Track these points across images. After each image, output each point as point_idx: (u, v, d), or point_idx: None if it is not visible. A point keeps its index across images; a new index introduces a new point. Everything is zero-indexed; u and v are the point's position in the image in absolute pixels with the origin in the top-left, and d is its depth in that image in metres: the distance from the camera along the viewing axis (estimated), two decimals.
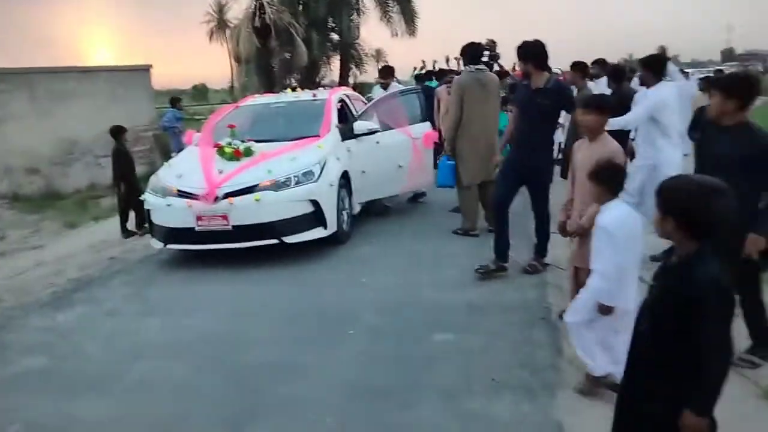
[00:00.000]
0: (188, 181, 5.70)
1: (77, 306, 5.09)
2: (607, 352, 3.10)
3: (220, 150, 5.99)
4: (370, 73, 22.34)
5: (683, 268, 1.86)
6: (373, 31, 39.08)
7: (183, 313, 4.68)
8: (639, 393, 1.99)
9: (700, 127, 4.08)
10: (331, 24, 21.15)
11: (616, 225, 2.93)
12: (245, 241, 5.52)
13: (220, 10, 43.25)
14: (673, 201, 1.85)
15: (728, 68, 31.15)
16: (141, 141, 11.57)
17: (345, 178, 6.27)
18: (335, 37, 21.55)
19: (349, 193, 6.42)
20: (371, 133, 6.69)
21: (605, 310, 2.98)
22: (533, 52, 4.75)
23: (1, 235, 7.82)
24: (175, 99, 12.17)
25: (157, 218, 5.79)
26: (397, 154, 6.98)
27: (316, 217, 5.70)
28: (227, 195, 5.47)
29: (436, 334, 4.05)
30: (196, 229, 5.51)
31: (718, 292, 1.78)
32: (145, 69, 12.73)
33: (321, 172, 5.78)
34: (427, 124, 7.45)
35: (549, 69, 4.92)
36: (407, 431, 3.02)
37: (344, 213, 6.20)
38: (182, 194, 5.60)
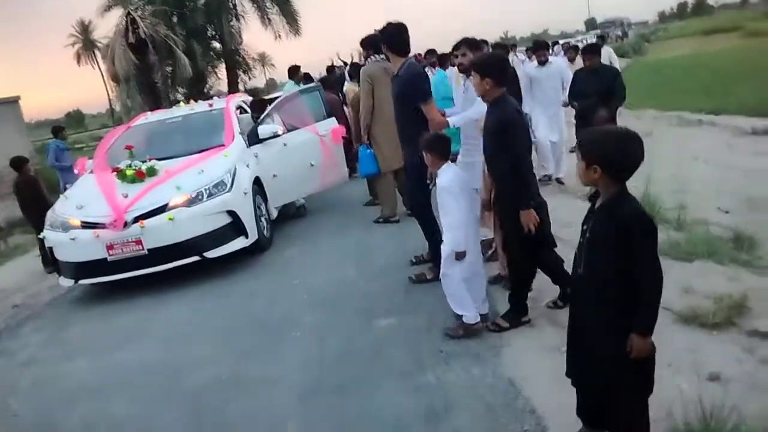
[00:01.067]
0: (91, 210, 5.37)
1: None
2: (470, 296, 3.61)
3: (120, 174, 5.68)
4: (258, 78, 22.09)
5: (611, 208, 2.06)
6: (256, 35, 38.43)
7: (111, 348, 4.41)
8: (589, 333, 2.16)
9: None
10: (211, 32, 20.57)
11: (451, 183, 3.53)
12: (164, 264, 5.29)
13: (85, 30, 40.64)
14: (597, 151, 2.06)
15: (591, 37, 33.77)
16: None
17: (258, 184, 6.17)
18: (217, 45, 21.01)
19: (265, 199, 6.32)
20: (276, 135, 6.62)
21: (460, 255, 3.53)
22: (388, 35, 4.52)
23: None
24: (57, 128, 10.99)
25: (63, 254, 5.41)
26: (306, 153, 6.94)
27: (235, 228, 5.57)
28: (137, 218, 5.21)
29: (378, 320, 4.12)
30: (109, 259, 5.21)
31: (646, 224, 2.00)
32: (14, 101, 11.85)
33: (233, 181, 5.65)
34: (333, 119, 7.45)
35: (407, 54, 4.57)
36: (372, 420, 3.05)
37: (263, 219, 6.10)
38: (87, 225, 5.27)
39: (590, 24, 77.89)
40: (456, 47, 4.64)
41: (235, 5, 20.64)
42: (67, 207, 5.54)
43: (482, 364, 3.32)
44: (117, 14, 17.83)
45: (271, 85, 25.59)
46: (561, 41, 24.25)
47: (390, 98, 5.27)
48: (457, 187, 3.55)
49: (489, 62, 3.52)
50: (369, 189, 7.32)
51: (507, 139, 3.36)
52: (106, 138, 6.91)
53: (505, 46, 8.12)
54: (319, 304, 4.58)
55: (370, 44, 6.00)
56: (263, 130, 6.51)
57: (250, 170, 6.04)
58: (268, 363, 3.79)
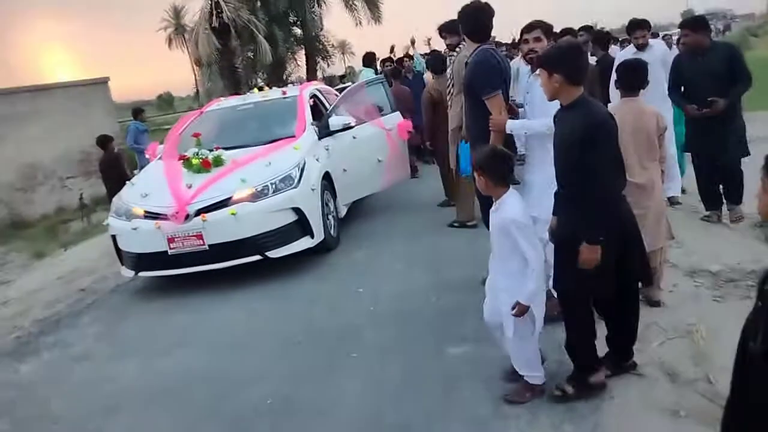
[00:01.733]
0: (155, 200, 5.15)
1: (43, 352, 4.54)
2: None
3: (187, 162, 5.43)
4: (337, 65, 21.87)
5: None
6: (336, 22, 38.37)
7: (162, 352, 4.13)
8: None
9: None
10: (292, 18, 20.49)
11: (523, 216, 2.75)
12: (224, 261, 5.00)
13: (177, 14, 42.01)
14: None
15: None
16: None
17: (327, 179, 5.77)
18: (298, 31, 20.90)
19: (333, 195, 5.93)
20: (347, 128, 6.21)
21: (525, 310, 2.74)
22: (464, 17, 3.92)
23: None
24: (137, 110, 11.27)
25: (125, 244, 5.23)
26: (374, 148, 6.57)
27: (301, 226, 5.20)
28: (199, 211, 4.93)
29: (450, 347, 3.60)
30: (169, 252, 4.97)
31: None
32: (103, 82, 12.21)
33: (300, 176, 5.27)
34: (398, 114, 7.00)
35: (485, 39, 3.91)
36: None
37: (330, 217, 5.70)
38: (149, 215, 5.05)
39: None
40: (526, 29, 3.69)
41: None
42: (133, 194, 5.36)
43: (577, 422, 2.72)
44: None
45: (350, 73, 25.33)
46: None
47: None
48: (529, 220, 2.77)
49: (558, 54, 2.71)
50: (444, 189, 6.77)
51: (585, 150, 2.53)
52: (177, 123, 6.74)
53: (604, 37, 7.20)
54: (383, 319, 4.12)
55: (449, 30, 5.38)
56: (334, 122, 6.11)
57: (320, 164, 5.65)
58: (321, 388, 3.36)
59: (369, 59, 10.06)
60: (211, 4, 17.26)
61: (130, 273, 5.25)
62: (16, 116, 10.14)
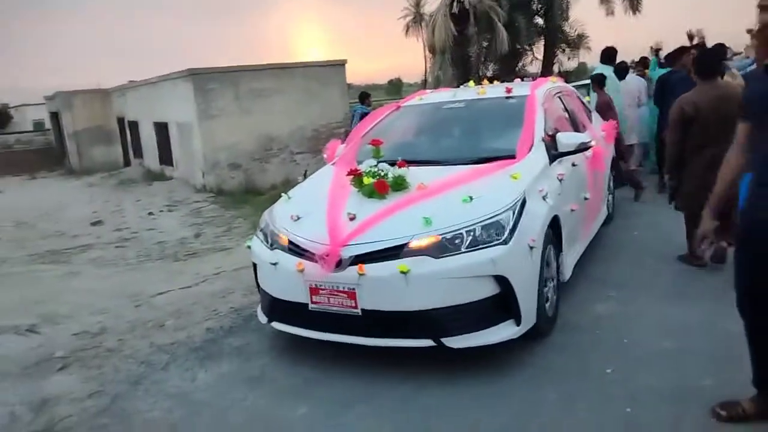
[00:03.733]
0: (306, 228, 3.56)
1: (223, 361, 3.65)
2: None
3: (357, 180, 3.75)
4: (572, 60, 19.00)
5: None
6: (582, 11, 34.47)
7: None
8: None
9: None
10: (536, 5, 18.12)
11: None
12: (380, 337, 3.23)
13: (417, 3, 42.17)
14: None
15: None
16: (336, 138, 10.86)
17: (554, 225, 3.67)
18: (540, 20, 18.55)
19: (559, 249, 3.81)
20: (585, 149, 4.04)
21: None
22: None
23: (197, 232, 7.66)
24: (364, 95, 10.56)
25: (262, 279, 3.77)
26: (583, 179, 4.45)
27: (503, 304, 3.19)
28: (357, 259, 3.23)
29: None
30: (310, 307, 3.37)
31: None
32: (340, 64, 12.18)
33: (515, 225, 3.25)
34: (596, 115, 5.45)
35: None
36: None
37: (549, 285, 3.60)
38: (294, 249, 3.51)
39: None
40: None
41: None
42: (283, 213, 3.85)
43: None
44: None
45: (582, 70, 22.09)
46: None
47: None
48: None
49: None
50: (689, 239, 4.49)
51: None
52: (368, 118, 5.11)
53: None
54: None
55: None
56: (565, 139, 3.97)
57: (546, 205, 3.55)
58: None
59: (608, 55, 7.49)
60: None
61: (264, 319, 3.78)
62: (263, 92, 10.93)
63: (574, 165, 4.22)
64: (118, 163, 17.43)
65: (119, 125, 17.48)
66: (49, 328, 4.45)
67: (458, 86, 5.71)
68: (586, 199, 4.41)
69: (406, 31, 41.74)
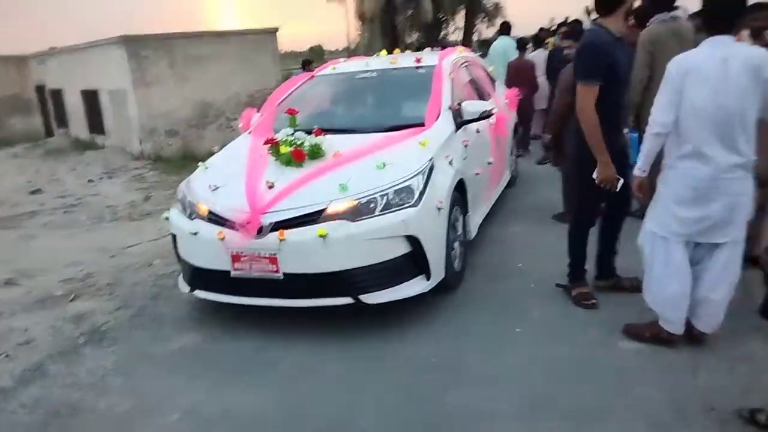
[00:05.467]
0: (225, 197, 3.56)
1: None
2: None
3: (275, 148, 3.78)
4: (489, 30, 19.59)
5: None
6: None
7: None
8: None
9: None
10: None
11: None
12: (302, 298, 3.35)
13: None
14: None
15: None
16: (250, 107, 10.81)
17: (459, 189, 3.90)
18: None
19: (464, 211, 4.06)
20: (487, 115, 4.27)
21: None
22: None
23: (147, 196, 7.66)
24: (306, 62, 10.49)
25: (183, 250, 3.74)
26: (487, 145, 4.73)
27: (414, 262, 3.39)
28: (277, 225, 3.29)
29: None
30: (232, 274, 3.42)
31: None
32: (272, 32, 12.07)
33: (424, 188, 3.43)
34: (499, 83, 5.71)
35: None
36: None
37: (456, 245, 3.86)
38: (214, 218, 3.51)
39: None
40: None
41: None
42: (202, 183, 3.82)
43: None
44: None
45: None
46: None
47: None
48: None
49: None
50: (565, 200, 4.98)
51: None
52: (283, 86, 5.06)
53: None
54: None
55: None
56: (469, 107, 4.16)
57: (452, 169, 3.76)
58: None
59: (507, 27, 8.76)
60: None
61: (186, 288, 3.78)
62: (198, 59, 10.73)
63: (478, 131, 4.44)
64: (39, 133, 16.04)
65: (38, 93, 16.00)
66: (29, 280, 4.55)
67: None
68: (489, 163, 4.68)
69: None
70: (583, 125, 3.17)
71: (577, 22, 6.90)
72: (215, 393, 2.93)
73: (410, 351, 3.17)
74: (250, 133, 4.39)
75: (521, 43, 7.84)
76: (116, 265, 4.78)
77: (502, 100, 5.55)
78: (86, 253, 5.14)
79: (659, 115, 2.76)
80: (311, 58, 10.68)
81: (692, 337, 2.95)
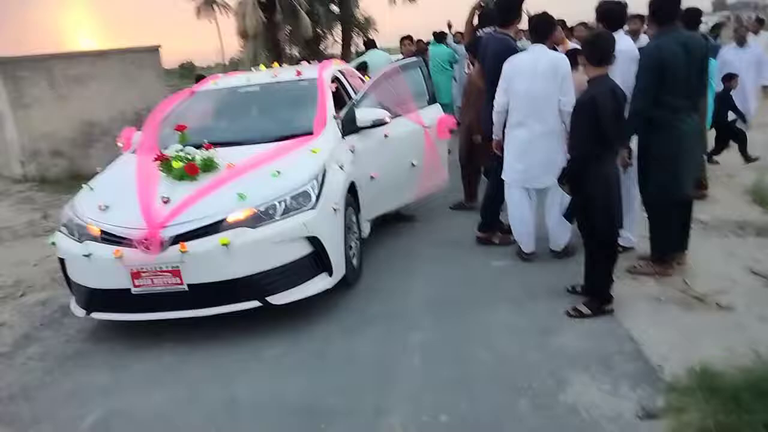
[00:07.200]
0: (117, 216, 3.44)
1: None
2: None
3: (166, 164, 3.73)
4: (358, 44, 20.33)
5: None
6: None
7: None
8: None
9: None
10: None
11: None
12: (209, 306, 3.33)
13: None
14: None
15: (720, 18, 28.73)
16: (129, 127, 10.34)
17: (351, 191, 4.11)
18: (335, 8, 19.76)
19: (357, 210, 4.27)
20: (380, 123, 4.50)
21: None
22: None
23: (44, 214, 7.34)
24: (199, 77, 10.00)
25: (75, 273, 3.56)
26: (409, 149, 4.83)
27: (317, 261, 3.52)
28: (178, 238, 3.25)
29: None
30: (133, 291, 3.33)
31: None
32: (154, 49, 11.85)
33: (320, 192, 3.59)
34: (438, 107, 5.24)
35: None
36: None
37: (352, 242, 4.06)
38: (108, 238, 3.39)
39: (719, 4, 67.12)
40: None
41: None
42: (89, 204, 3.65)
43: None
44: None
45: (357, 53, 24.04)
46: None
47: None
48: None
49: None
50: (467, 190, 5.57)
51: None
52: (161, 105, 4.94)
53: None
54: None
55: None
56: (363, 115, 4.38)
57: (344, 173, 3.96)
58: None
59: (372, 41, 9.44)
60: None
61: (81, 312, 3.59)
62: (79, 79, 10.27)
63: (386, 136, 4.54)
64: None
65: None
66: None
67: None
68: (413, 165, 4.81)
69: (198, 13, 38.73)
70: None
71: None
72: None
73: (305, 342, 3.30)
74: (134, 151, 4.25)
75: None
76: (50, 270, 4.69)
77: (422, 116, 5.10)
78: (3, 268, 4.97)
79: (498, 99, 3.93)
80: (203, 74, 10.39)
81: (553, 253, 4.10)
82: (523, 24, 4.40)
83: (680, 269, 3.64)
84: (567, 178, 3.17)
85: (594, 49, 3.11)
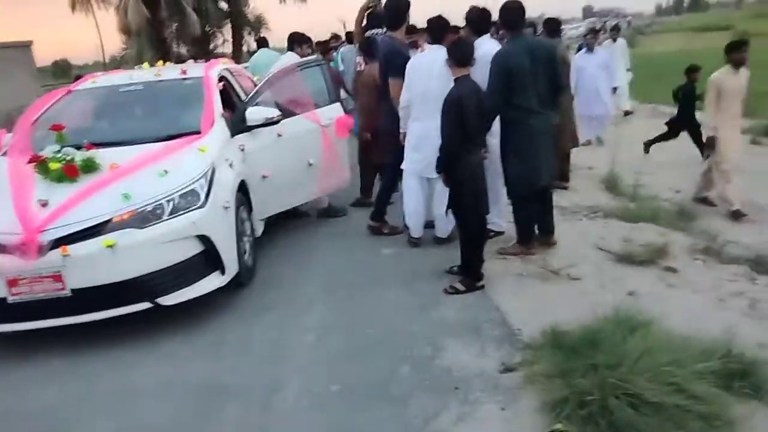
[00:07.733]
0: None
1: None
2: None
3: (42, 166, 3.56)
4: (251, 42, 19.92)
5: None
6: None
7: None
8: None
9: None
10: None
11: None
12: (96, 311, 3.26)
13: None
14: None
15: (590, 24, 31.56)
16: None
17: (242, 190, 4.15)
18: (225, 5, 19.08)
19: (249, 209, 4.32)
20: (271, 122, 4.56)
21: None
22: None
23: None
24: (78, 77, 9.08)
25: None
26: (305, 148, 4.83)
27: (208, 259, 3.56)
28: (59, 242, 3.15)
29: None
30: (9, 300, 3.18)
31: None
32: (26, 45, 11.33)
33: (209, 190, 3.60)
34: (338, 106, 5.29)
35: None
36: None
37: (245, 241, 4.10)
38: None
39: (588, 11, 73.70)
40: None
41: None
42: None
43: None
44: None
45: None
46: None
47: None
48: None
49: None
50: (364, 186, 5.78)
51: None
52: (34, 105, 4.64)
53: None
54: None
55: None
56: (253, 114, 4.38)
57: (233, 172, 4.00)
58: None
59: (264, 40, 9.10)
60: None
61: None
62: None
63: (279, 135, 4.54)
64: None
65: None
66: None
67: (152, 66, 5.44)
68: (310, 164, 4.83)
69: (73, 7, 35.96)
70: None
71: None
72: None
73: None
74: (4, 154, 4.01)
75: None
76: None
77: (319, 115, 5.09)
78: None
79: (402, 96, 4.23)
80: (81, 73, 9.66)
81: (437, 240, 4.48)
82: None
83: (542, 249, 4.09)
84: (440, 168, 3.46)
85: (456, 52, 3.43)
